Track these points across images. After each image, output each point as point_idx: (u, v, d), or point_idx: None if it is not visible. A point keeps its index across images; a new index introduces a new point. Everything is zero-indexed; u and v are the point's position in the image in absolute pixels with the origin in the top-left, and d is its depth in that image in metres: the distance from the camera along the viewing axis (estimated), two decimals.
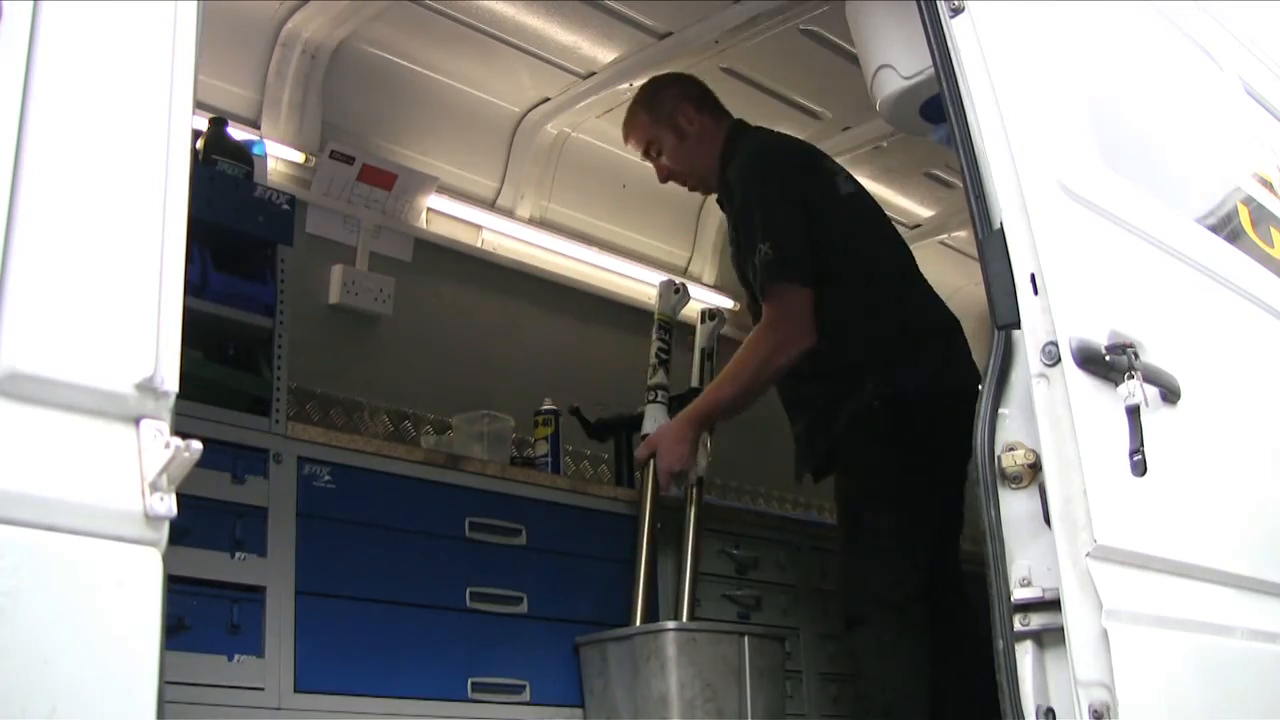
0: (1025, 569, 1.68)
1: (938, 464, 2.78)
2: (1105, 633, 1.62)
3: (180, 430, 1.17)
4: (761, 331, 3.00)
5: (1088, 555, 1.64)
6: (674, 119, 3.23)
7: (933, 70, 1.93)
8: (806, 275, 2.95)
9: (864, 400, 2.91)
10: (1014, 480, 1.71)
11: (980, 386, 1.76)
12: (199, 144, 2.90)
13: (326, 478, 2.79)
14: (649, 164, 3.27)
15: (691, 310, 3.85)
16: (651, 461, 3.19)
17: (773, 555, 3.65)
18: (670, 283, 3.69)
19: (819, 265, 2.97)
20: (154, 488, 1.13)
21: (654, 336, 3.55)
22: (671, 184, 3.29)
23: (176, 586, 2.04)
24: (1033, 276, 1.76)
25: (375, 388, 3.70)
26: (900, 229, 3.63)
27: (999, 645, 1.67)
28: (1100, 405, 1.73)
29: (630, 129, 3.33)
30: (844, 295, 2.97)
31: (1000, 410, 1.74)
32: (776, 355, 2.98)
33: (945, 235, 4.82)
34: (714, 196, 3.39)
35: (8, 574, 1.02)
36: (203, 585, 2.49)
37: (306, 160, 3.65)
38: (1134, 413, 1.73)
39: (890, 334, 2.96)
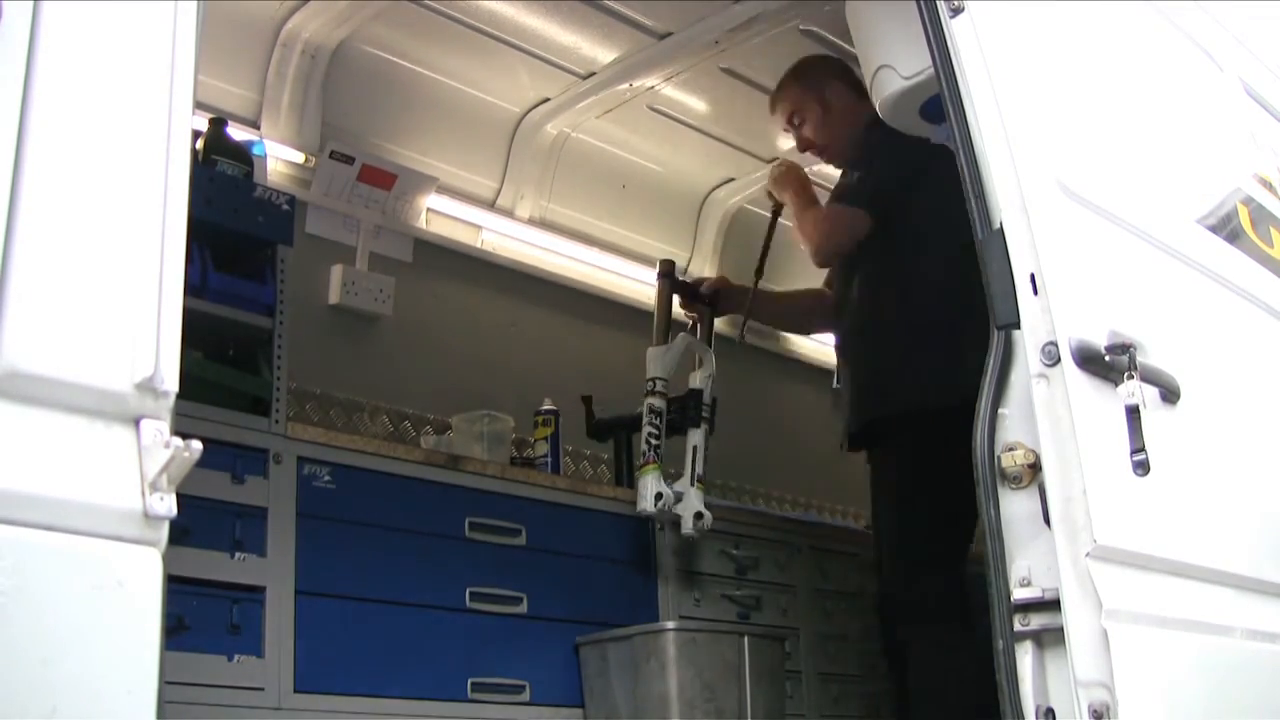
0: (1025, 569, 1.68)
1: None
2: (1105, 633, 1.62)
3: (180, 430, 1.17)
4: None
5: (1087, 555, 1.64)
6: (822, 92, 3.32)
7: (933, 70, 1.93)
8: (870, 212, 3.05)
9: (921, 395, 2.91)
10: (1014, 480, 1.71)
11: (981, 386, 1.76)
12: (199, 144, 2.90)
13: (326, 478, 2.79)
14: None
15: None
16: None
17: (773, 555, 3.65)
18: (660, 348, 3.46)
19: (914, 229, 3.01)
20: (154, 488, 1.13)
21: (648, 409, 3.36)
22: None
23: (176, 586, 2.03)
24: (1032, 276, 1.76)
25: (375, 388, 3.70)
26: None
27: (999, 645, 1.67)
28: (1100, 405, 1.73)
29: (779, 98, 3.40)
30: (929, 266, 2.97)
31: (1000, 410, 1.74)
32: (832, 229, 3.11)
33: None
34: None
35: (8, 574, 1.02)
36: (203, 585, 2.49)
37: (306, 160, 3.65)
38: (1134, 413, 1.73)
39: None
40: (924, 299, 2.96)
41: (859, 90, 3.25)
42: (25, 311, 1.08)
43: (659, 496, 3.24)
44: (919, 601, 2.85)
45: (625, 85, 3.89)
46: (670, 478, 3.31)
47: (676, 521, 3.30)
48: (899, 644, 2.93)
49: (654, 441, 3.31)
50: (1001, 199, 1.80)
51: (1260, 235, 2.55)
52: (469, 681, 2.91)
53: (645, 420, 3.33)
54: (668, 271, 3.58)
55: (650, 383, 3.37)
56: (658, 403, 3.35)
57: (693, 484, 3.33)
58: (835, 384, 3.29)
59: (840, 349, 3.32)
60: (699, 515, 3.28)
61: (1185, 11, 2.68)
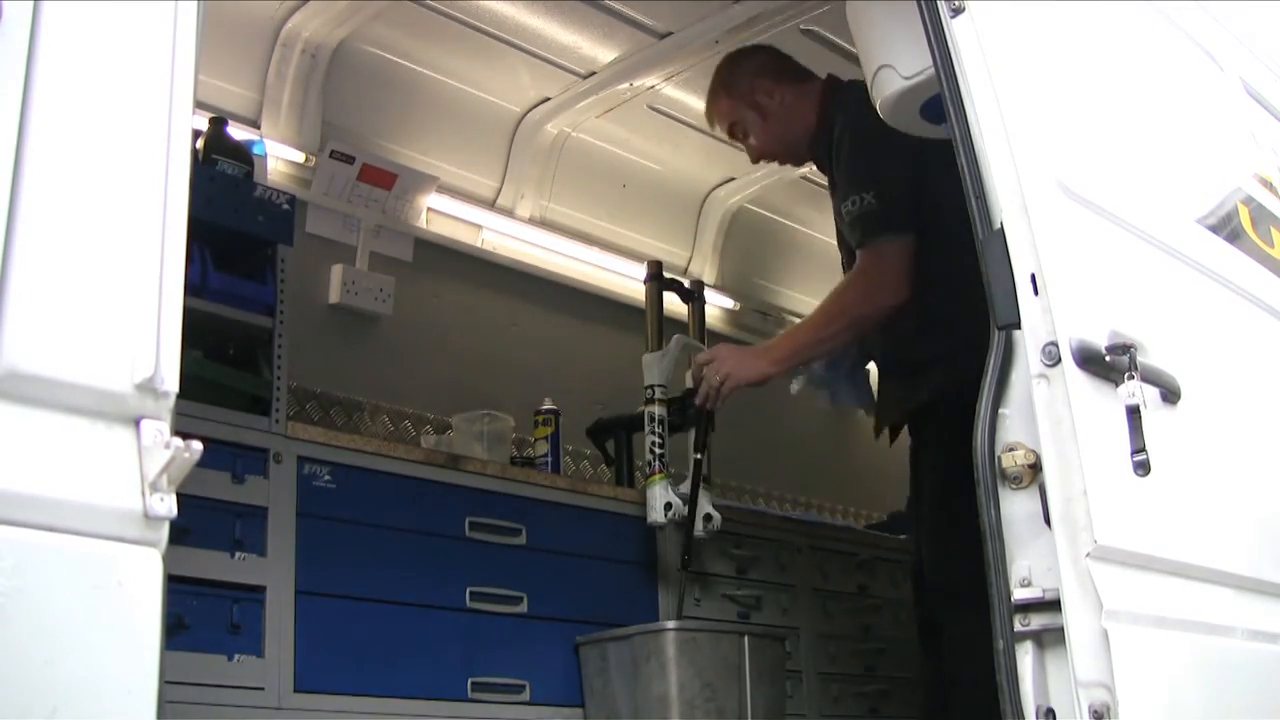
0: (1025, 569, 1.68)
1: None
2: (1105, 633, 1.62)
3: (180, 430, 1.17)
4: (853, 279, 2.87)
5: (1088, 555, 1.64)
6: (753, 97, 3.07)
7: (933, 70, 1.93)
8: (908, 226, 2.79)
9: (956, 375, 2.65)
10: (1014, 480, 1.71)
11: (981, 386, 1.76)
12: (199, 144, 2.90)
13: (326, 477, 2.79)
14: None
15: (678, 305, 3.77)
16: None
17: (773, 555, 3.65)
18: (656, 354, 3.41)
19: (926, 214, 2.80)
20: (154, 488, 1.13)
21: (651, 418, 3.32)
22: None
23: (176, 586, 2.04)
24: (1033, 276, 1.76)
25: (375, 388, 3.70)
26: None
27: (999, 645, 1.67)
28: (1100, 405, 1.73)
29: (712, 112, 3.19)
30: (947, 252, 2.69)
31: (1000, 410, 1.74)
32: (863, 305, 2.83)
33: None
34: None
35: (8, 574, 1.02)
36: (203, 585, 2.49)
37: (306, 160, 3.65)
38: (1134, 413, 1.73)
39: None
40: (959, 271, 2.78)
41: (788, 75, 3.10)
42: (25, 311, 1.08)
43: (668, 506, 3.24)
44: (954, 585, 2.71)
45: (625, 85, 3.89)
46: (674, 479, 3.32)
47: (683, 524, 3.29)
48: (934, 625, 2.86)
49: (658, 450, 3.30)
50: (1002, 199, 1.80)
51: (1260, 235, 2.55)
52: (469, 681, 2.91)
53: (648, 429, 3.33)
54: (656, 273, 3.57)
55: (649, 390, 3.36)
56: (658, 410, 3.34)
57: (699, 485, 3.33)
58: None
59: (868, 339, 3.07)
60: (708, 517, 3.28)
61: (1185, 11, 2.68)
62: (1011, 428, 1.73)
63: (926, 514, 2.87)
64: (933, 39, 1.90)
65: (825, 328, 2.93)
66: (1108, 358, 1.75)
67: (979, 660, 2.61)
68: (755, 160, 3.23)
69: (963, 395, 2.65)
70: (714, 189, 4.60)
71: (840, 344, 2.98)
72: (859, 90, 2.95)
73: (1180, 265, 2.16)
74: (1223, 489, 2.05)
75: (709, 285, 4.57)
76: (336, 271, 3.67)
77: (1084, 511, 1.65)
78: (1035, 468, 1.69)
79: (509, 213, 4.16)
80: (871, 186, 2.80)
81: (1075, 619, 1.62)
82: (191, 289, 2.60)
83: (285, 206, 2.89)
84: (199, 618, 2.45)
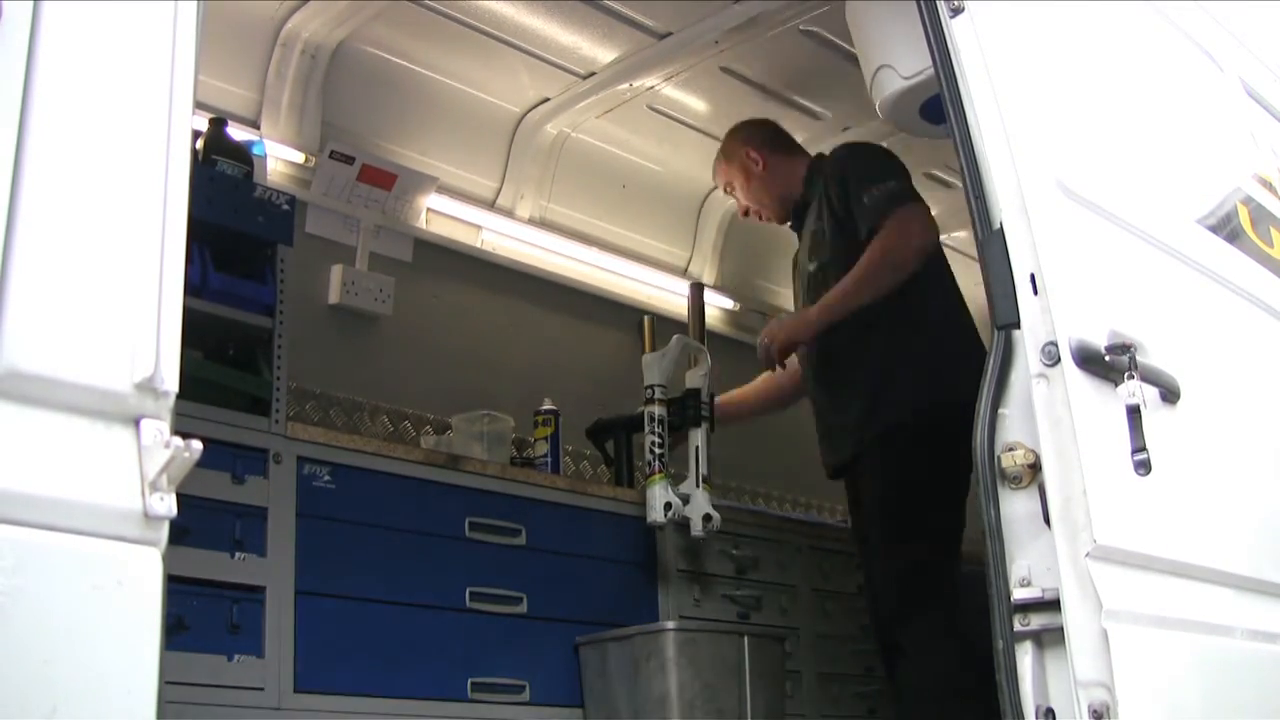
0: (1025, 569, 1.68)
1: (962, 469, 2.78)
2: (1105, 633, 1.62)
3: (180, 430, 1.17)
4: (875, 243, 3.01)
5: (1087, 555, 1.64)
6: (743, 160, 3.45)
7: (933, 70, 1.93)
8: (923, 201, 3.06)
9: (897, 413, 2.99)
10: (1014, 480, 1.71)
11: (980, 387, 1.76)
12: (199, 144, 2.90)
13: (326, 478, 2.79)
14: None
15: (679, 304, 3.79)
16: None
17: (773, 555, 3.65)
18: (658, 354, 3.49)
19: None
20: (154, 488, 1.13)
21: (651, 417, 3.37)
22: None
23: (176, 586, 2.03)
24: (1032, 276, 1.76)
25: (375, 388, 3.70)
26: None
27: (999, 645, 1.67)
28: (1100, 405, 1.73)
29: (714, 172, 3.61)
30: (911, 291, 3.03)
31: (1000, 410, 1.74)
32: (902, 251, 3.00)
33: (945, 235, 4.78)
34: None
35: (8, 574, 1.02)
36: (203, 585, 2.49)
37: (306, 160, 3.65)
38: (1134, 413, 1.73)
39: (929, 341, 3.04)
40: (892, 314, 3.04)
41: (778, 147, 3.46)
42: (25, 311, 1.08)
43: (668, 506, 3.25)
44: (904, 597, 2.92)
45: (625, 85, 3.89)
46: (674, 479, 3.32)
47: (683, 524, 3.30)
48: (893, 645, 2.95)
49: (658, 450, 3.31)
50: (1001, 199, 1.80)
51: (1260, 235, 2.55)
52: (469, 681, 2.91)
53: (648, 429, 3.34)
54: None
55: (649, 390, 3.37)
56: (659, 410, 3.35)
57: (698, 485, 3.33)
58: None
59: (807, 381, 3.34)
60: (707, 517, 3.29)
61: (1185, 11, 2.69)
62: (1011, 427, 1.73)
63: (874, 538, 3.06)
64: (932, 39, 1.91)
65: (853, 285, 3.05)
66: (1107, 357, 1.75)
67: (927, 672, 2.81)
68: (744, 214, 3.57)
69: (905, 420, 2.94)
70: (714, 189, 4.59)
71: (865, 301, 3.07)
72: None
73: (1180, 265, 2.16)
74: (1223, 489, 2.05)
75: (709, 285, 4.57)
76: (336, 272, 3.67)
77: (1083, 511, 1.65)
78: (1035, 467, 1.69)
79: (508, 213, 4.16)
80: (891, 176, 3.08)
81: (1075, 619, 1.62)
82: (191, 289, 2.61)
83: (285, 207, 2.89)
84: (199, 618, 2.45)
